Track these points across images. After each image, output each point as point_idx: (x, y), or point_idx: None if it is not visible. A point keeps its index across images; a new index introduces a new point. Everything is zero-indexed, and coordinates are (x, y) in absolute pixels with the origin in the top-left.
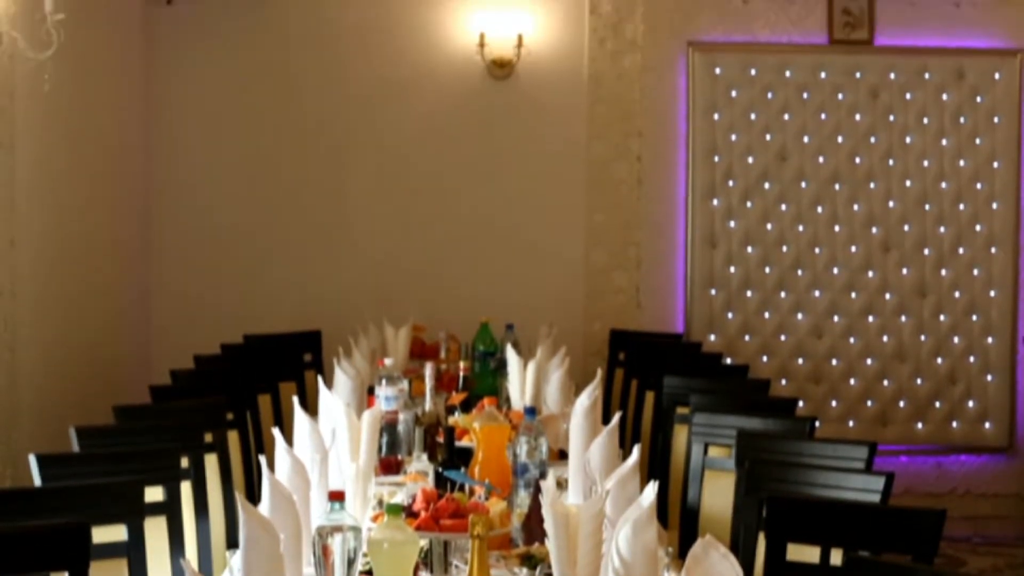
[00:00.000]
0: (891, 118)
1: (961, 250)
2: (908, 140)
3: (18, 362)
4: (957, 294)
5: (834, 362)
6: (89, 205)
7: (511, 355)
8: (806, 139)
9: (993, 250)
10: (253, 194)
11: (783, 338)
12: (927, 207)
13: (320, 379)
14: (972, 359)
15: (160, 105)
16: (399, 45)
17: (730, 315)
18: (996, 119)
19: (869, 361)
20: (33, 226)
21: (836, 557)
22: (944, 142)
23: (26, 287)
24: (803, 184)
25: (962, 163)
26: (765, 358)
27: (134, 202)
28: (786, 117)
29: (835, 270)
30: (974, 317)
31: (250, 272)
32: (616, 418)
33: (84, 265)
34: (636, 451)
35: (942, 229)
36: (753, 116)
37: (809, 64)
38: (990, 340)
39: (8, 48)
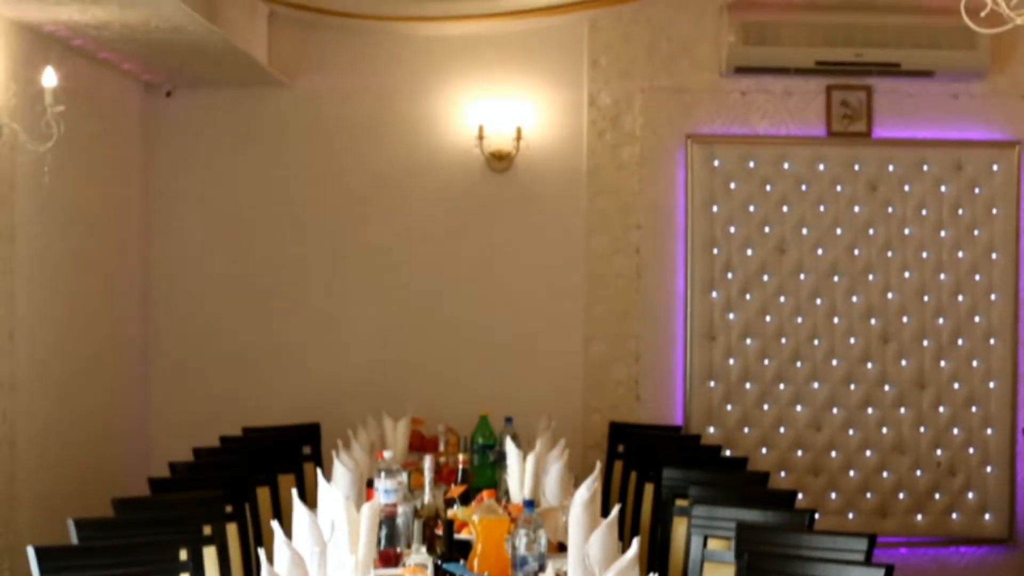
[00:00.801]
0: (890, 210)
1: (960, 342)
2: (907, 232)
3: (17, 454)
4: (956, 386)
5: (833, 454)
6: (88, 297)
7: (510, 447)
8: (805, 231)
9: (992, 341)
10: (252, 286)
11: (782, 430)
12: (926, 299)
13: (319, 472)
14: (972, 451)
15: (159, 196)
16: (397, 137)
17: (729, 407)
18: (994, 210)
19: (868, 453)
20: (32, 318)
21: None
22: (943, 234)
23: (25, 379)
24: (802, 276)
25: (961, 254)
26: (764, 450)
27: (133, 294)
28: (785, 209)
29: (834, 362)
30: (973, 409)
31: (249, 364)
32: (615, 510)
33: (83, 357)
34: (635, 544)
35: (941, 321)
36: (752, 208)
37: (807, 156)
38: (989, 432)
39: (8, 139)
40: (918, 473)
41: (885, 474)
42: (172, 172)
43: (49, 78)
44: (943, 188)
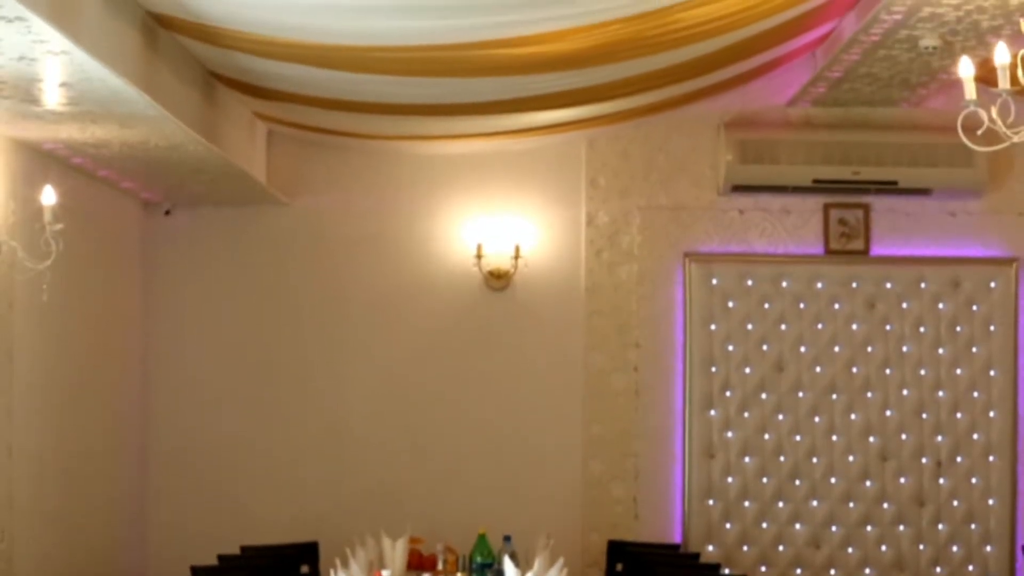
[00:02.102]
0: (888, 327)
1: (959, 459)
2: (905, 349)
3: (15, 571)
4: (956, 503)
5: (833, 572)
6: (87, 413)
7: (508, 566)
8: (803, 349)
9: (991, 459)
10: (250, 404)
11: (782, 548)
12: (924, 416)
13: None
14: (971, 568)
15: (158, 314)
16: (395, 255)
17: (728, 525)
18: (992, 327)
19: (868, 571)
20: (31, 434)
21: None
22: (941, 351)
23: (23, 496)
24: (800, 394)
25: (959, 372)
26: (764, 568)
27: (132, 411)
28: (783, 327)
29: (833, 480)
30: (973, 526)
31: (247, 482)
32: None
33: (81, 474)
34: None
35: (940, 438)
36: (750, 326)
37: (805, 274)
38: (989, 549)
39: (7, 257)
40: None
41: None
42: (171, 290)
43: (48, 196)
44: (941, 305)
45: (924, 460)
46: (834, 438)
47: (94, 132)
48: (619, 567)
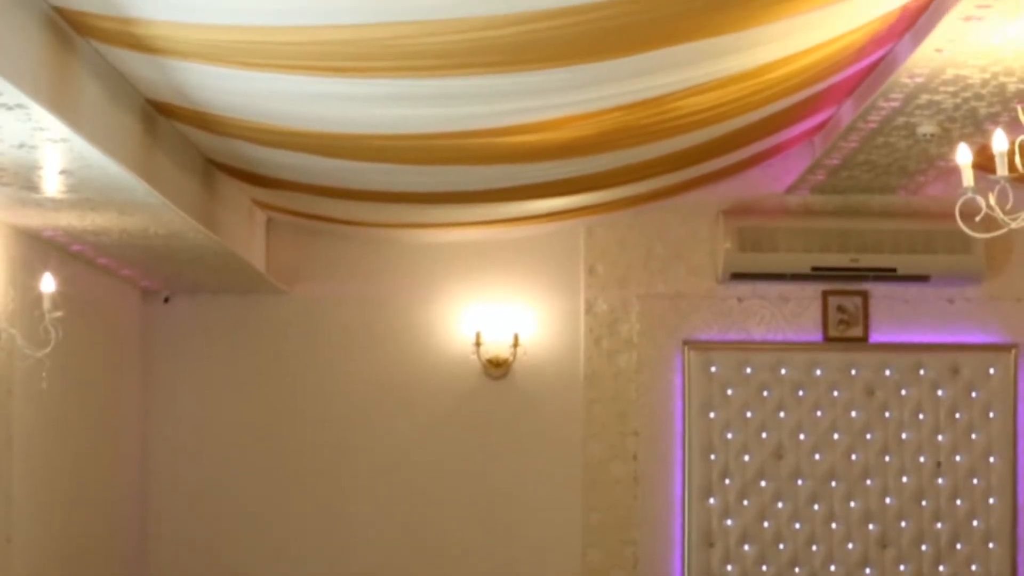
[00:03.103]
0: (887, 414)
1: (959, 546)
2: (904, 436)
3: None
4: None
5: None
6: (86, 502)
7: None
8: (802, 436)
9: (991, 546)
10: (250, 491)
11: None
12: (924, 503)
13: None
14: None
15: (157, 402)
16: (394, 344)
17: None
18: (991, 414)
19: None
20: (30, 523)
21: None
22: (940, 438)
23: None
24: (799, 481)
25: (958, 458)
26: None
27: (131, 500)
28: (782, 415)
29: (832, 567)
30: None
31: (248, 570)
32: None
33: (80, 563)
34: None
35: (939, 525)
36: (749, 414)
37: (804, 362)
38: None
39: (6, 345)
40: None
41: None
42: (170, 378)
43: (47, 283)
44: (940, 392)
45: (924, 547)
46: (833, 525)
47: (93, 219)
48: None
